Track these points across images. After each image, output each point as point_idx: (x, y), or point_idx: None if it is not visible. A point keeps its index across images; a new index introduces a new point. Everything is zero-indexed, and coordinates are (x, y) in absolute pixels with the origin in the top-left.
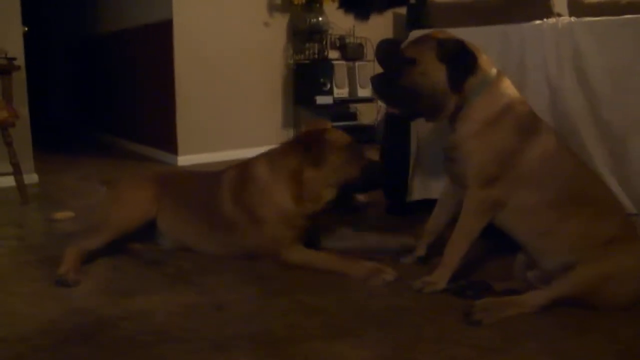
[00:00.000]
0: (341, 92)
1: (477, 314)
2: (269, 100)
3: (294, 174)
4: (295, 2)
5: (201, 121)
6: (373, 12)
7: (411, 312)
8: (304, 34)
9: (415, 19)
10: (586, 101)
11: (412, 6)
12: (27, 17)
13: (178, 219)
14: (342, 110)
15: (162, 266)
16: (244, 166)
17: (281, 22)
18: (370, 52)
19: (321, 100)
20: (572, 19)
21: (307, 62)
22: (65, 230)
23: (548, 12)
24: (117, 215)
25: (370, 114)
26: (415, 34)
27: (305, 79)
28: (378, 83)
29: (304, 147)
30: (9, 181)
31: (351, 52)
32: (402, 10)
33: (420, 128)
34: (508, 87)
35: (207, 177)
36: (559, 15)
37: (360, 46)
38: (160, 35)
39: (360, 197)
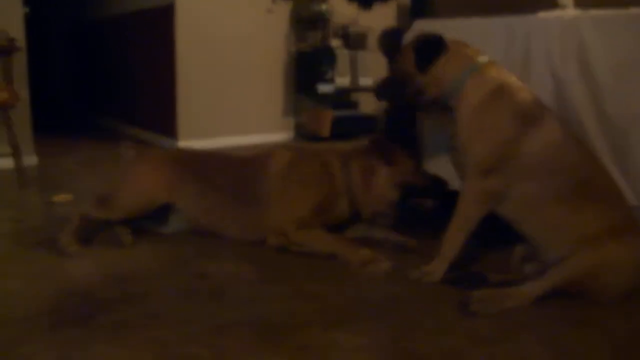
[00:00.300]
0: (343, 81)
1: (473, 305)
2: (270, 87)
3: (366, 170)
4: None
5: (202, 107)
6: (376, 0)
7: (409, 302)
8: (307, 21)
9: (420, 8)
10: (590, 94)
11: None
12: None
13: (202, 198)
14: (343, 99)
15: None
16: (308, 152)
17: (284, 9)
18: (373, 41)
19: (323, 88)
20: (578, 12)
21: (309, 50)
22: (64, 213)
23: (553, 4)
24: (127, 198)
25: (372, 103)
26: (419, 23)
27: (307, 67)
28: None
29: (378, 146)
30: (8, 163)
31: (354, 41)
32: (406, 0)
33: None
34: (500, 73)
35: (245, 158)
36: (564, 7)
37: (363, 35)
38: (162, 20)
39: (428, 202)
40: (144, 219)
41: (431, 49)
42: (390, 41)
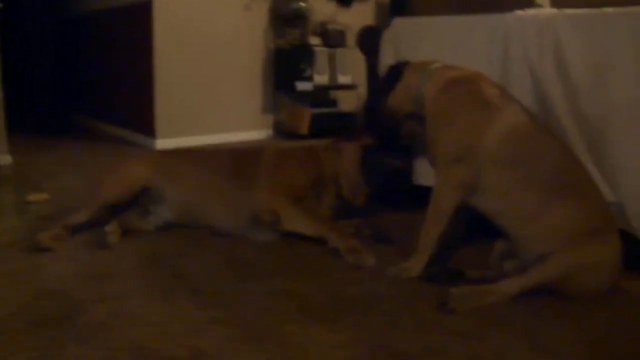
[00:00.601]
0: (321, 79)
1: (452, 302)
2: (249, 84)
3: (337, 151)
4: None
5: (180, 105)
6: None
7: (388, 299)
8: (286, 19)
9: (398, 7)
10: (567, 92)
11: None
12: None
13: (192, 181)
14: (322, 96)
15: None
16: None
17: (262, 6)
18: (351, 39)
19: (301, 86)
20: (554, 10)
21: (287, 47)
22: (40, 212)
23: (530, 3)
24: (106, 186)
25: (350, 101)
26: (398, 21)
27: (285, 65)
28: None
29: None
30: None
31: (332, 38)
32: None
33: None
34: (454, 69)
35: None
36: (541, 6)
37: (342, 33)
38: (140, 16)
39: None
40: (127, 212)
41: (392, 73)
42: (369, 39)
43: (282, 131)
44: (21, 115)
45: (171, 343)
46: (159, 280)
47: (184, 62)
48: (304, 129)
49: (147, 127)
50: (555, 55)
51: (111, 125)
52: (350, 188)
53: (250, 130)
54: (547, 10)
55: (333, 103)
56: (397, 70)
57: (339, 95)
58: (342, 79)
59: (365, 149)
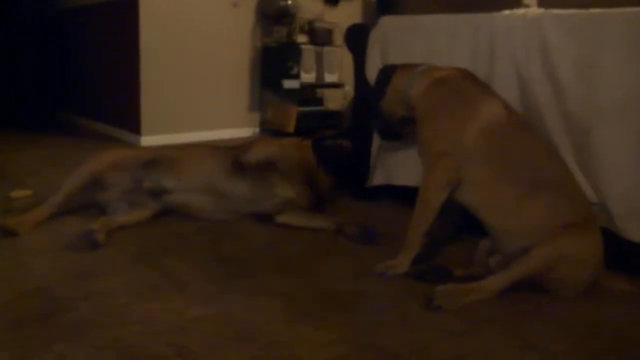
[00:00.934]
0: (308, 77)
1: (438, 300)
2: (236, 82)
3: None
4: None
5: (166, 101)
6: None
7: (375, 296)
8: (273, 16)
9: (386, 5)
10: (553, 92)
11: None
12: None
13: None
14: (308, 95)
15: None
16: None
17: (250, 4)
18: (338, 37)
19: (288, 84)
20: (541, 10)
21: (275, 45)
22: (23, 208)
23: (517, 3)
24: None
25: (337, 99)
26: (385, 19)
27: (272, 63)
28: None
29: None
30: None
31: (319, 37)
32: None
33: None
34: (438, 71)
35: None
36: (528, 6)
37: (329, 31)
38: (126, 13)
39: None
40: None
41: (382, 79)
42: (357, 38)
43: (268, 129)
44: (5, 112)
45: (157, 341)
46: (144, 278)
47: (170, 58)
48: (290, 126)
49: (133, 124)
50: (542, 55)
51: (96, 122)
52: (317, 178)
53: (236, 128)
54: (534, 10)
55: (319, 101)
56: (387, 76)
57: (326, 93)
58: (329, 78)
59: (315, 141)
